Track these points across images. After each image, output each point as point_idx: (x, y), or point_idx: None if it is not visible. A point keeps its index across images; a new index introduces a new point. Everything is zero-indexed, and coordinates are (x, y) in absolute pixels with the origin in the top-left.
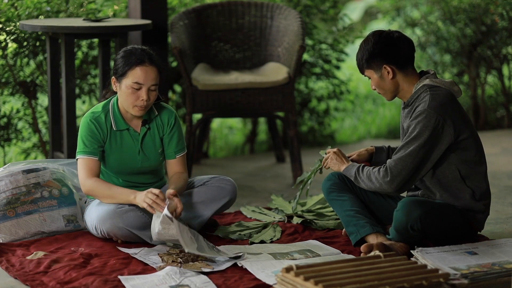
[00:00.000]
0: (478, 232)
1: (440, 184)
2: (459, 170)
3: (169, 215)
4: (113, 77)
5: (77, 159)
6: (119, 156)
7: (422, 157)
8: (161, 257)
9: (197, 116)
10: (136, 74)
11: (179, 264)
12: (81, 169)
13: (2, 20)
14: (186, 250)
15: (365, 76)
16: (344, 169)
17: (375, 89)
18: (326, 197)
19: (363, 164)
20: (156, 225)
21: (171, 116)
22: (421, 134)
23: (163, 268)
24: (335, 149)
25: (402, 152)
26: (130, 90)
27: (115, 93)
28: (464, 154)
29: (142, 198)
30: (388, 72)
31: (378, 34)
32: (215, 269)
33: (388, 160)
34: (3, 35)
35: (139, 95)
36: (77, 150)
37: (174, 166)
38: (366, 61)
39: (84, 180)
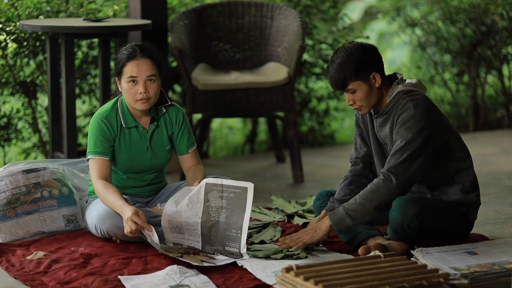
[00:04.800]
0: (478, 233)
1: (429, 187)
2: (447, 169)
3: (156, 241)
4: (116, 78)
5: (88, 159)
6: (128, 154)
7: (420, 161)
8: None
9: (197, 116)
10: (129, 69)
11: (180, 254)
12: (92, 170)
13: (2, 20)
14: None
15: (346, 90)
16: (331, 226)
17: (352, 104)
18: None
19: (343, 205)
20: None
21: (178, 113)
22: (414, 139)
23: (166, 249)
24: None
25: (398, 158)
26: (128, 86)
27: None
28: (449, 153)
29: (125, 219)
30: (375, 81)
31: (359, 44)
32: (216, 264)
33: (384, 170)
34: (3, 35)
35: (137, 88)
36: (88, 150)
37: (188, 160)
38: (355, 72)
39: (94, 181)
